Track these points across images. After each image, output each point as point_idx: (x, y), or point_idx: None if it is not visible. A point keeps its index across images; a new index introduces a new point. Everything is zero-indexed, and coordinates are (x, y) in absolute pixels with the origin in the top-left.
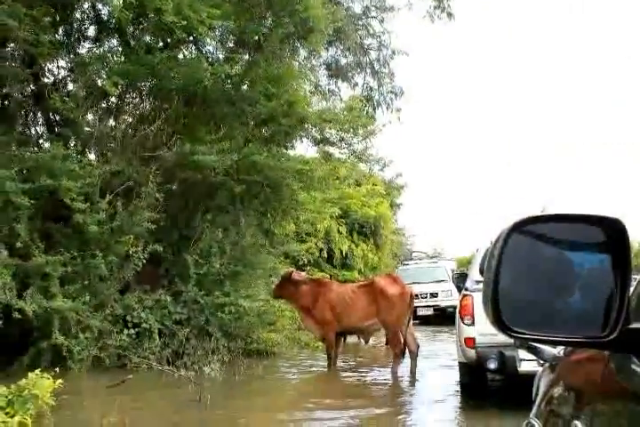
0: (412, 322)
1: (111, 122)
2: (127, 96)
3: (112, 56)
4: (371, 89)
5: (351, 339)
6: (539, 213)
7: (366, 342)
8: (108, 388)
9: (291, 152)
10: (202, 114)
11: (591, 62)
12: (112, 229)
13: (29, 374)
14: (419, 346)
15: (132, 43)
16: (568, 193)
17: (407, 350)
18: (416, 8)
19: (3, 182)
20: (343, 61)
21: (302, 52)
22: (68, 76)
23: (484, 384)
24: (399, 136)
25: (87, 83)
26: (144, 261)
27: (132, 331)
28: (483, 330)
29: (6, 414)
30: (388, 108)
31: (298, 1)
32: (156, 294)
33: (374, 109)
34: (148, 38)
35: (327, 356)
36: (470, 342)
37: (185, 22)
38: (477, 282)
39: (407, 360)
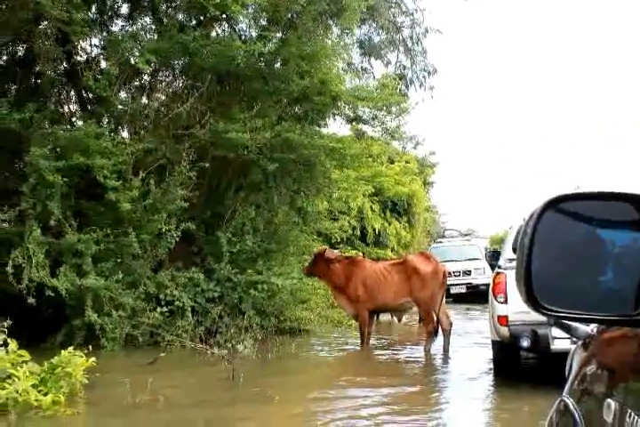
0: (444, 300)
1: (144, 100)
2: (160, 74)
3: (145, 34)
4: (404, 67)
5: (384, 317)
6: (572, 191)
7: (399, 320)
8: (142, 366)
9: (324, 130)
10: (235, 92)
11: (630, 38)
12: (145, 207)
13: (62, 352)
14: (451, 324)
15: (165, 21)
16: (602, 170)
17: (440, 328)
18: None
19: (36, 160)
20: (376, 39)
21: (335, 30)
22: (100, 54)
23: (516, 362)
24: (432, 114)
25: (120, 61)
26: (177, 239)
27: (165, 309)
28: (515, 308)
29: (39, 391)
30: (420, 86)
31: None
32: (189, 272)
33: (407, 87)
34: (180, 16)
35: (360, 334)
36: (503, 319)
37: (218, 0)
38: (510, 260)
39: (440, 338)
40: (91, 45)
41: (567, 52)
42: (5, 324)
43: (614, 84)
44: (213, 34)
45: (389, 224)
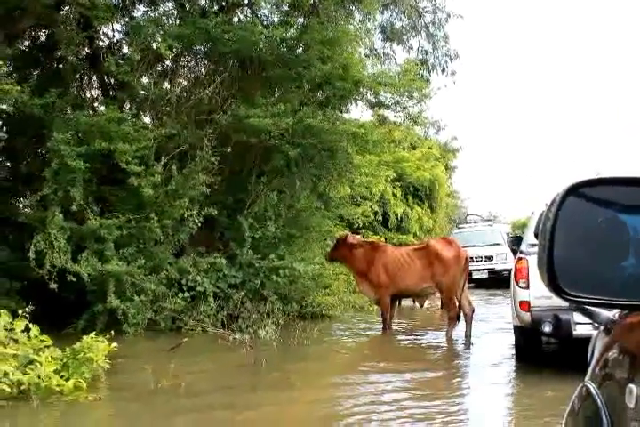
0: (466, 285)
1: (166, 85)
2: (182, 59)
3: (167, 19)
4: (426, 52)
5: (406, 302)
6: (594, 176)
7: (421, 305)
8: (163, 351)
9: (346, 115)
10: (257, 77)
11: None
12: (167, 193)
13: (84, 338)
14: (473, 309)
15: (187, 6)
16: (621, 157)
17: (462, 314)
18: None
19: (58, 146)
20: (398, 25)
21: (357, 16)
22: (122, 39)
23: (538, 348)
24: (454, 99)
25: (142, 46)
26: (199, 224)
27: (187, 294)
28: (537, 293)
29: (61, 377)
30: (442, 72)
31: None
32: (211, 258)
33: (429, 72)
34: (202, 1)
35: (382, 319)
36: (525, 305)
37: None
38: (532, 245)
39: (462, 324)
40: (113, 31)
41: (587, 39)
42: (27, 309)
43: (631, 71)
44: (235, 19)
45: (411, 209)
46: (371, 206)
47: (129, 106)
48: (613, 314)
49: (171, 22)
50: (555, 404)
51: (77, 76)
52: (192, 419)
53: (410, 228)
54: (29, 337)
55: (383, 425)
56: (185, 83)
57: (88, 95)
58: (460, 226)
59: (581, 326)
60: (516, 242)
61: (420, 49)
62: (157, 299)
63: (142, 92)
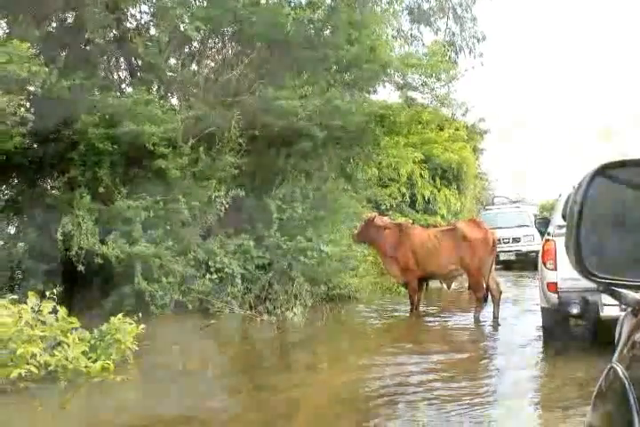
0: (494, 267)
1: (194, 67)
2: (209, 41)
3: (194, 1)
4: (453, 34)
5: (433, 284)
6: (622, 158)
7: (449, 287)
8: (191, 333)
9: (373, 97)
10: (284, 59)
11: None
12: (194, 174)
13: (112, 320)
14: (501, 291)
15: None
16: None
17: (489, 295)
18: None
19: (86, 127)
20: (425, 6)
21: None
22: (150, 21)
23: (566, 329)
24: (482, 81)
25: (169, 28)
26: (226, 206)
27: (215, 276)
28: (565, 275)
29: (89, 359)
30: (470, 53)
31: None
32: (239, 239)
33: (457, 54)
34: None
35: (409, 301)
36: (552, 286)
37: None
38: (560, 227)
39: (490, 305)
40: (140, 12)
41: (617, 17)
42: (55, 291)
43: None
44: (263, 1)
45: (439, 191)
46: (398, 188)
47: (156, 88)
48: None
49: (198, 4)
50: (582, 385)
51: (105, 57)
52: (220, 400)
53: (437, 209)
54: (57, 319)
55: (411, 407)
56: (212, 64)
57: (115, 77)
58: (487, 208)
59: (609, 308)
60: (543, 224)
61: (447, 31)
62: (185, 281)
63: (170, 73)
